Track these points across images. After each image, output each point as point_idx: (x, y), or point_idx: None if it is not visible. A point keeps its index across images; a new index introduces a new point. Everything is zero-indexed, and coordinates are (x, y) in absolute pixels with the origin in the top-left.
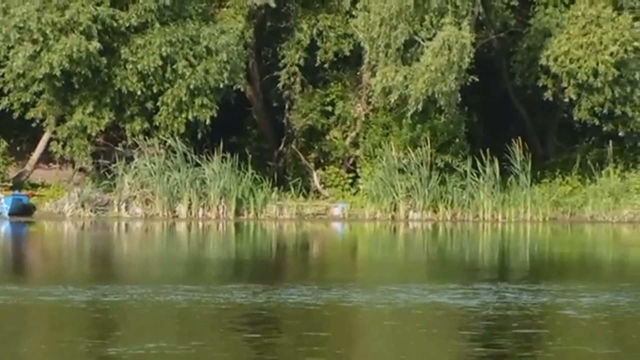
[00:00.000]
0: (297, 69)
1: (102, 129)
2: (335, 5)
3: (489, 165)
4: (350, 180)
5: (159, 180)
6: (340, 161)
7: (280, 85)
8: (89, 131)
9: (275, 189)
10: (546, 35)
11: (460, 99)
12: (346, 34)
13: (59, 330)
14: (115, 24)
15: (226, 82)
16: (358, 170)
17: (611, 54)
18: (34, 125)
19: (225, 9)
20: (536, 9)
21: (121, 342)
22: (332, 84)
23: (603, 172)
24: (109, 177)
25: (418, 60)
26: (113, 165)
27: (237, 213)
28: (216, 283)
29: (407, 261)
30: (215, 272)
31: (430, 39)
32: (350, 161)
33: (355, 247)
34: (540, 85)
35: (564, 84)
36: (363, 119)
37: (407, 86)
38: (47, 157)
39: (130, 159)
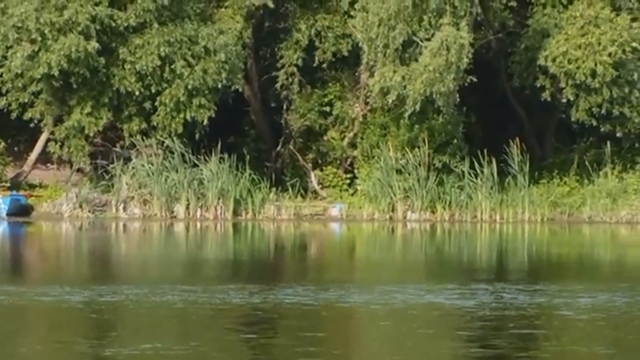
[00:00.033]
0: (295, 69)
1: (100, 129)
2: (334, 6)
3: (486, 165)
4: (348, 181)
5: (156, 181)
6: (338, 162)
7: (278, 85)
8: (86, 131)
9: (273, 189)
10: (544, 36)
11: (458, 99)
12: (344, 34)
13: (55, 330)
14: (113, 24)
15: (224, 82)
16: (356, 170)
17: (609, 55)
18: (31, 125)
19: (223, 9)
20: (534, 10)
21: (117, 343)
22: (330, 84)
23: (601, 172)
24: (107, 177)
25: (416, 60)
26: (111, 165)
27: (235, 213)
28: (213, 283)
29: (405, 262)
30: (212, 273)
31: (428, 40)
32: (348, 162)
33: (353, 248)
34: (539, 85)
35: (562, 85)
36: (361, 119)
37: (405, 86)
38: (45, 158)
39: (128, 160)
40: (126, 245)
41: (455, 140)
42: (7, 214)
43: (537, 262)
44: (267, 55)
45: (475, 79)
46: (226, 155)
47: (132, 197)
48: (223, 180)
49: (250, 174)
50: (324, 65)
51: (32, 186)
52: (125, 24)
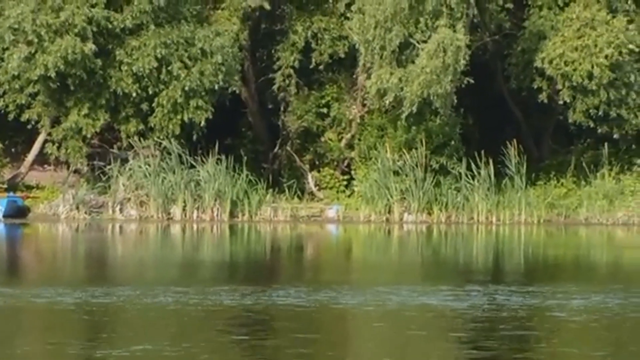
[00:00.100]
0: (292, 71)
1: (97, 130)
2: (330, 8)
3: (483, 167)
4: (345, 182)
5: (153, 182)
6: (335, 163)
7: (275, 87)
8: (84, 133)
9: (270, 191)
10: (541, 38)
11: (455, 101)
12: (341, 36)
13: (48, 332)
14: (110, 26)
15: (221, 83)
16: (353, 172)
17: (606, 57)
18: (29, 126)
19: (220, 11)
20: (531, 12)
21: (109, 344)
22: (327, 86)
23: (598, 174)
24: (104, 178)
25: (413, 62)
26: (108, 167)
27: (232, 215)
28: (208, 285)
29: (401, 263)
30: (208, 274)
31: (425, 41)
32: (345, 163)
33: (349, 249)
34: (535, 87)
35: (559, 87)
36: (358, 120)
37: (402, 88)
38: (42, 159)
39: (125, 161)
40: (122, 247)
41: (452, 142)
42: (4, 216)
43: (532, 264)
44: (263, 57)
45: (472, 81)
46: (223, 157)
47: (129, 199)
48: (220, 182)
49: (247, 176)
50: (321, 67)
51: (29, 187)
52: (122, 26)
